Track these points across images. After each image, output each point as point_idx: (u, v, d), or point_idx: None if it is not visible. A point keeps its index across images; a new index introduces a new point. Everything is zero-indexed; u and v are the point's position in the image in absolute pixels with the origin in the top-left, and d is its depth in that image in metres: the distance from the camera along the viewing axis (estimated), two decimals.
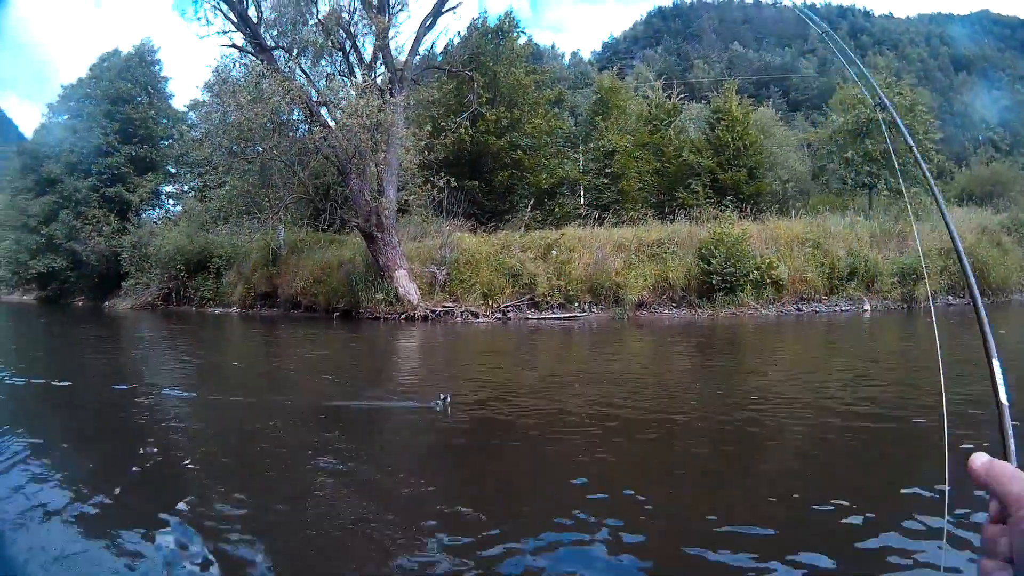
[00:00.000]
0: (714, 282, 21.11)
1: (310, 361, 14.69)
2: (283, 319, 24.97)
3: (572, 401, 9.13)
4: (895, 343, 16.98)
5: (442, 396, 8.30)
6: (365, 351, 16.67)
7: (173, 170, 44.00)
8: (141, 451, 6.97)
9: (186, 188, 43.70)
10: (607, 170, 27.98)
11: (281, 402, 9.27)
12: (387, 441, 7.75)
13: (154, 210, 42.41)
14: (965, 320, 20.62)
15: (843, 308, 22.62)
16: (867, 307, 22.80)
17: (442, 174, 22.76)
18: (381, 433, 8.04)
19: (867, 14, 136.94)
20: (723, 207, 24.91)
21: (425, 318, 21.43)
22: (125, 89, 41.10)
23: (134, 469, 6.38)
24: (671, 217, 25.11)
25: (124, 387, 11.06)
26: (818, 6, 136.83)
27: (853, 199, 29.71)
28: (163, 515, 4.98)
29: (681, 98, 35.42)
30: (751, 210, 25.77)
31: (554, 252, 22.30)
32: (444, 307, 21.93)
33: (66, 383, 11.37)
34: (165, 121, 43.55)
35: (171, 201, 43.84)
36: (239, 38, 22.59)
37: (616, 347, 16.03)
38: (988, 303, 24.95)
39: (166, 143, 43.30)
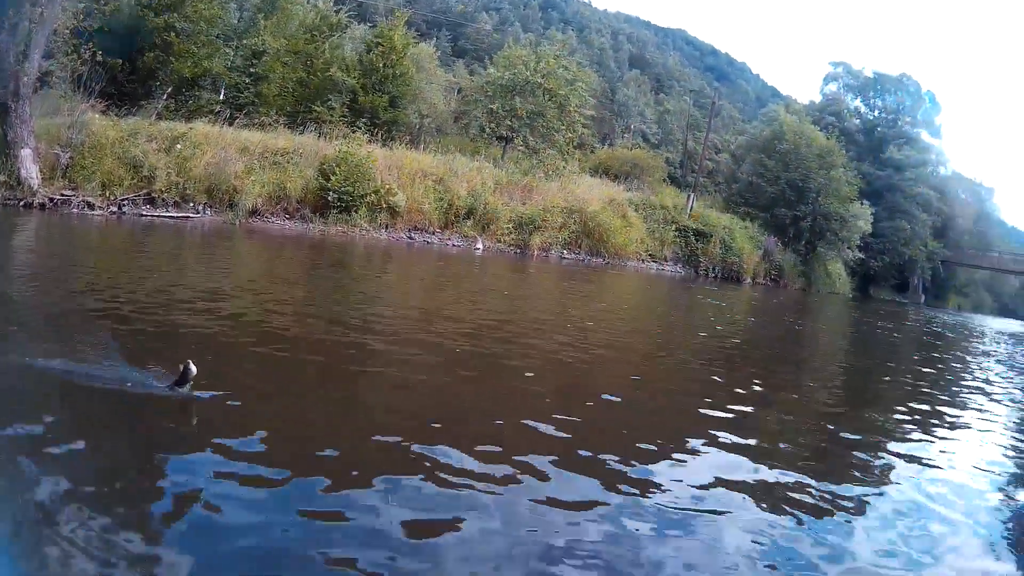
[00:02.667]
0: (330, 199, 21.40)
1: None
2: None
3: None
4: (493, 277, 18.59)
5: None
6: None
7: None
8: None
9: None
10: (252, 70, 27.30)
11: None
12: None
13: None
14: (569, 272, 23.19)
15: (456, 244, 24.07)
16: (480, 246, 24.44)
17: (91, 45, 21.15)
18: None
19: None
20: (355, 128, 25.28)
21: (43, 206, 19.76)
22: None
23: None
24: (302, 129, 24.97)
25: None
26: None
27: (487, 148, 31.44)
28: None
29: (350, 15, 35.08)
30: (383, 136, 26.40)
31: (179, 146, 21.37)
32: (63, 195, 20.33)
33: None
34: None
35: None
36: None
37: (227, 253, 16.02)
38: (605, 264, 28.06)
39: None
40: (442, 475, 4.16)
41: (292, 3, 31.27)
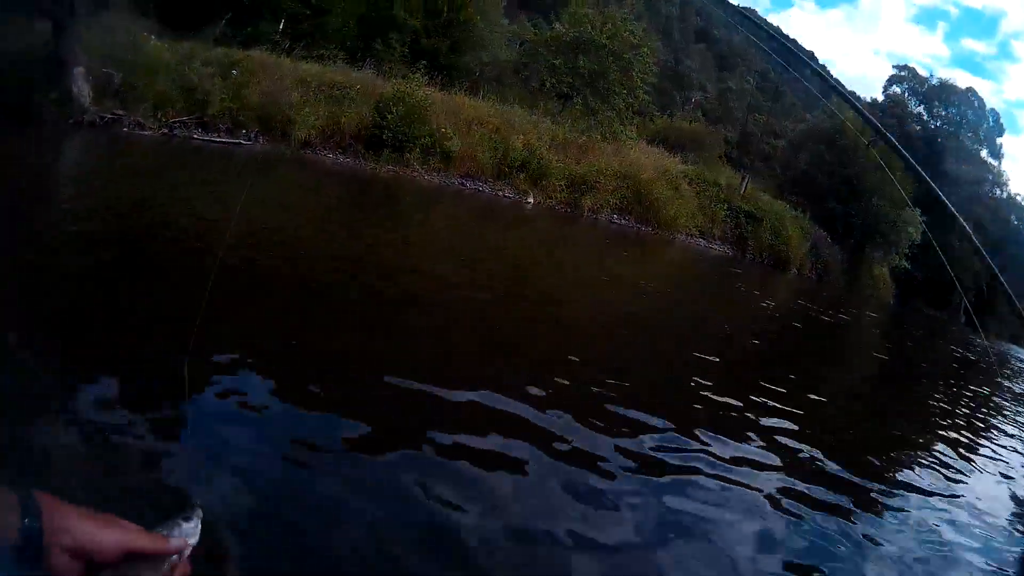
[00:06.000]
0: (385, 137, 21.05)
1: None
2: None
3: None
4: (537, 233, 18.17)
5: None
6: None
7: None
8: None
9: None
10: (313, 2, 26.91)
11: None
12: None
13: None
14: (621, 235, 22.76)
15: (507, 195, 23.57)
16: (531, 200, 23.92)
17: None
18: None
19: None
20: (415, 69, 24.84)
21: (93, 124, 19.63)
22: None
23: None
24: (360, 65, 24.56)
25: None
26: None
27: (546, 103, 30.82)
28: None
29: None
30: (442, 80, 25.96)
31: (234, 72, 21.19)
32: (114, 115, 20.17)
33: None
34: None
35: None
36: None
37: (273, 183, 15.77)
38: (652, 232, 27.49)
39: None
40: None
41: None
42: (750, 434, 5.90)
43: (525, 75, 34.58)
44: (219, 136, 20.36)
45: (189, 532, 1.23)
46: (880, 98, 61.22)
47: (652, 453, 4.82)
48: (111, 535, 1.08)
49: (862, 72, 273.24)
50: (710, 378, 7.46)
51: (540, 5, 55.50)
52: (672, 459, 4.83)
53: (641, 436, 5.08)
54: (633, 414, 5.50)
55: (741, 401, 6.96)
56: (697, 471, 4.74)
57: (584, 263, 15.12)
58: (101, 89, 20.41)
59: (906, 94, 60.53)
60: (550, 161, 24.81)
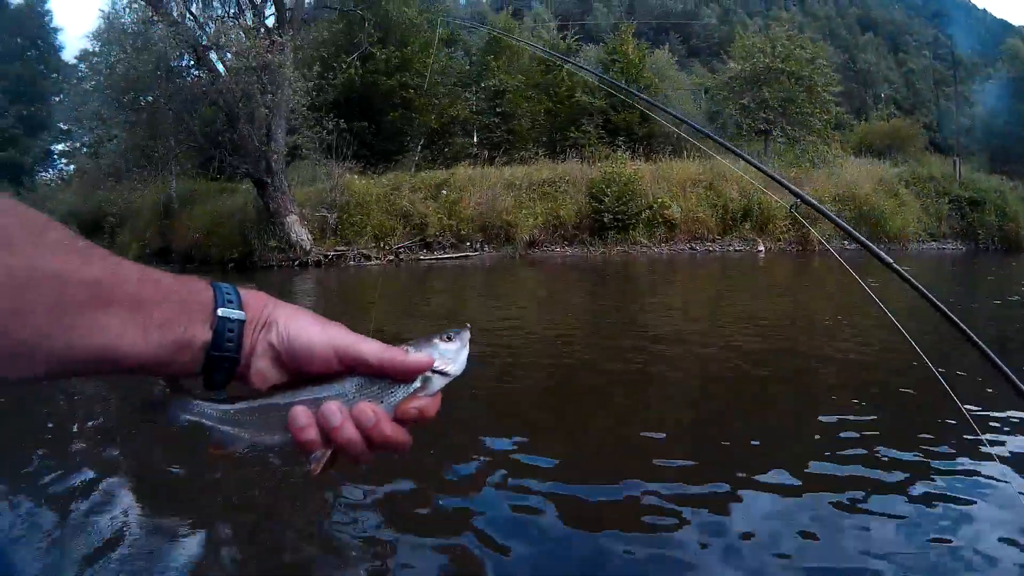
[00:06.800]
0: (606, 220, 21.01)
1: None
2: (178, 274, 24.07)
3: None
4: (789, 283, 17.20)
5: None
6: None
7: (65, 127, 42.12)
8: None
9: (78, 145, 41.98)
10: (498, 110, 27.72)
11: None
12: None
13: (47, 171, 40.77)
14: (857, 264, 21.27)
15: (736, 248, 22.80)
16: (761, 248, 23.01)
17: (332, 116, 22.24)
18: None
19: None
20: (615, 147, 24.79)
21: (318, 263, 20.86)
22: (13, 44, 39.20)
23: None
24: (562, 157, 24.80)
25: None
26: None
27: (748, 144, 29.88)
28: None
29: (577, 39, 35.19)
30: (643, 151, 25.74)
31: (444, 192, 21.93)
32: (336, 251, 21.38)
33: None
34: (55, 76, 41.62)
35: (64, 160, 42.07)
36: None
37: (510, 286, 15.85)
38: (884, 249, 25.61)
39: (56, 99, 41.42)
40: None
41: (518, 40, 31.64)
42: None
43: (720, 122, 34.00)
44: (445, 253, 20.98)
45: (447, 354, 0.86)
46: None
47: None
48: (328, 337, 0.81)
49: None
50: None
51: (708, 49, 55.16)
52: None
53: None
54: None
55: None
56: None
57: (843, 304, 13.63)
58: (319, 230, 21.69)
59: None
60: (768, 202, 23.89)
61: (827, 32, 76.50)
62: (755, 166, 2.69)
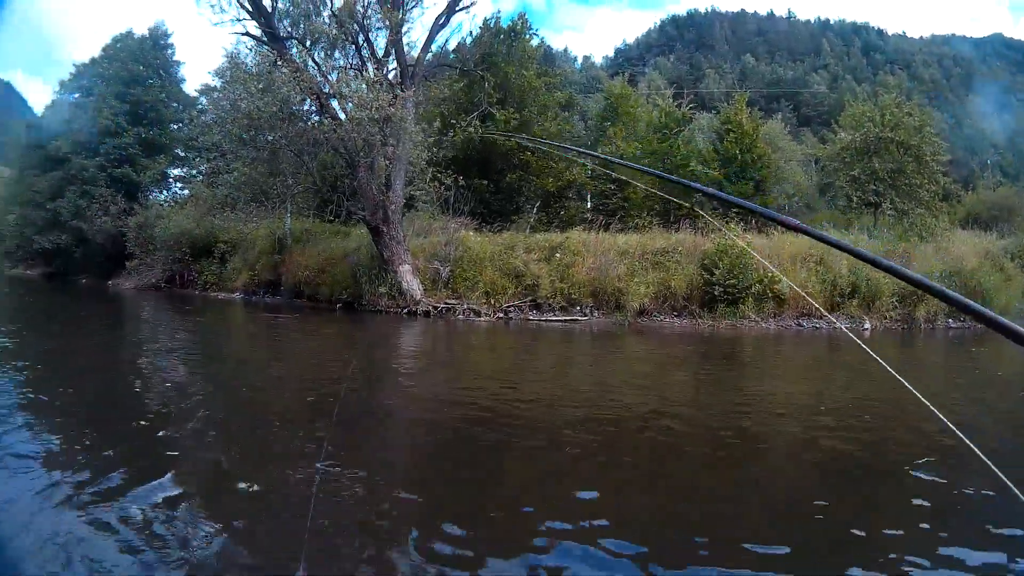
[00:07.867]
0: (716, 293, 21.11)
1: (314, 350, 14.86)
2: (286, 307, 25.00)
3: (574, 407, 9.12)
4: (895, 363, 17.00)
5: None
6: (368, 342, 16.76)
7: (182, 153, 43.89)
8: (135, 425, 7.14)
9: (194, 172, 43.65)
10: (614, 176, 28.10)
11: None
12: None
13: (161, 192, 42.52)
14: (964, 343, 20.99)
15: (843, 326, 22.56)
16: (867, 326, 22.77)
17: (450, 172, 22.90)
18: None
19: (880, 33, 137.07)
20: (728, 218, 24.89)
21: (427, 314, 21.47)
22: (137, 71, 41.14)
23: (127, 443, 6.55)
24: (676, 226, 25.00)
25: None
26: (832, 23, 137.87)
27: (859, 217, 29.60)
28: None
29: (691, 108, 35.42)
30: (756, 223, 25.73)
31: (558, 255, 22.34)
32: (446, 304, 21.96)
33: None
34: (176, 105, 43.57)
35: (179, 184, 43.83)
36: (252, 26, 22.42)
37: (616, 353, 16.16)
38: (984, 329, 24.97)
39: (176, 127, 43.32)
40: None
41: (634, 106, 32.00)
42: None
43: (831, 195, 33.83)
44: (554, 315, 21.33)
45: None
46: None
47: None
48: None
49: None
50: None
51: (819, 117, 54.86)
52: None
53: None
54: None
55: None
56: None
57: (951, 390, 13.04)
58: (431, 281, 22.30)
59: None
60: (876, 279, 23.66)
61: (933, 95, 75.33)
62: (855, 254, 2.36)
